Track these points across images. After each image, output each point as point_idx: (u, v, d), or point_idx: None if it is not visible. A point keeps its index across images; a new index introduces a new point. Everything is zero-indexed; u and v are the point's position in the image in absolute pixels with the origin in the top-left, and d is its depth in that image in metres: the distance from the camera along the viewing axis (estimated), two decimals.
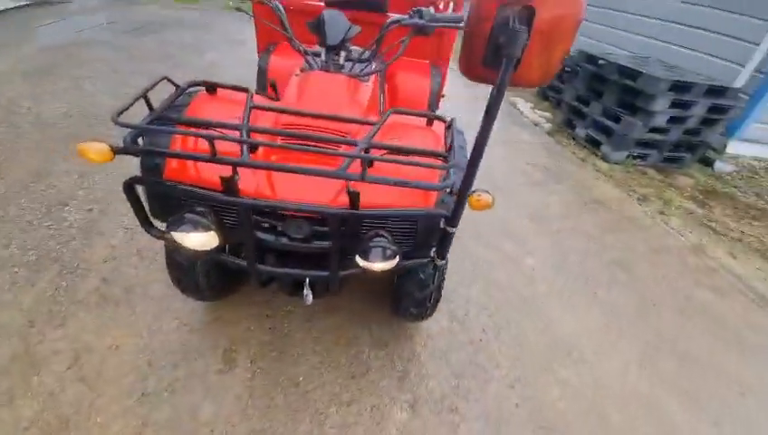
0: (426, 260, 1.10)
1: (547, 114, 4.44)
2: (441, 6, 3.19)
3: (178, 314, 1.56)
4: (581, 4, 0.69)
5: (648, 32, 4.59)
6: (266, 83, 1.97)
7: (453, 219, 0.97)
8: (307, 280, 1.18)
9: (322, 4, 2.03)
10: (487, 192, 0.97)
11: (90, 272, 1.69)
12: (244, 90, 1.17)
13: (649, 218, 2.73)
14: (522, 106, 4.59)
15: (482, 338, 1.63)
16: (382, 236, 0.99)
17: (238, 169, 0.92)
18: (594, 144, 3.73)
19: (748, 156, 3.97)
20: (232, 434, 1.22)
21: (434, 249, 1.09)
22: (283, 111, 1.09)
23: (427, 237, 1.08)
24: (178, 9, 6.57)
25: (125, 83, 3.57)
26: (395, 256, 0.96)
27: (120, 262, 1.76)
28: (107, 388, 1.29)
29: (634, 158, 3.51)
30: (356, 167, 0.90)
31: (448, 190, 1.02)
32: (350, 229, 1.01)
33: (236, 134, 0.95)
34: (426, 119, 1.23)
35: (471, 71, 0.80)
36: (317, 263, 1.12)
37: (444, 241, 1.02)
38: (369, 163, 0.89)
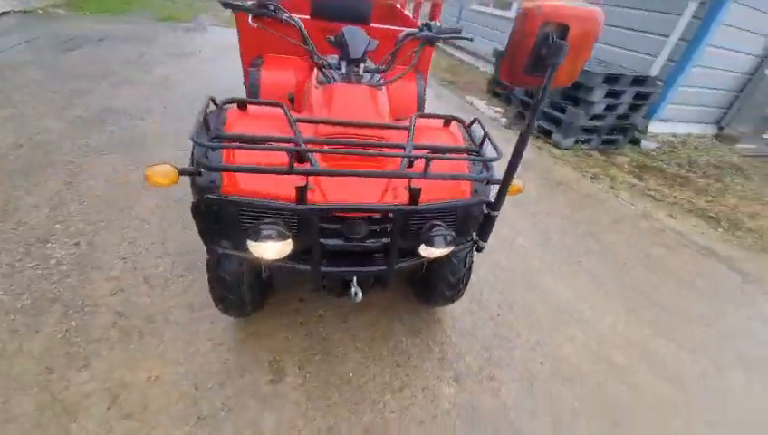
0: (470, 243, 1.23)
1: (500, 109, 4.84)
2: (398, 6, 3.37)
3: (211, 336, 1.54)
4: (600, 23, 0.88)
5: None
6: (258, 92, 1.98)
7: (496, 204, 1.12)
8: (354, 278, 1.26)
9: (307, 18, 2.09)
10: (518, 179, 1.13)
11: (99, 308, 1.59)
12: (277, 104, 1.21)
13: (604, 193, 3.15)
14: (477, 103, 4.96)
15: (498, 313, 1.82)
16: (440, 225, 1.11)
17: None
18: (546, 133, 4.16)
19: (666, 133, 4.68)
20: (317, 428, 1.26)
21: (475, 233, 1.23)
22: (329, 123, 1.16)
23: (467, 224, 1.23)
24: (108, 23, 6.07)
25: (69, 104, 3.27)
26: (454, 242, 1.09)
27: (129, 293, 1.67)
28: (158, 419, 1.25)
29: (582, 143, 3.99)
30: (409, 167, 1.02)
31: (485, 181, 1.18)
32: (410, 223, 1.12)
33: (293, 146, 1.01)
34: (442, 120, 1.37)
35: (514, 77, 0.95)
36: (368, 260, 1.20)
37: (487, 224, 1.17)
38: (428, 162, 1.01)
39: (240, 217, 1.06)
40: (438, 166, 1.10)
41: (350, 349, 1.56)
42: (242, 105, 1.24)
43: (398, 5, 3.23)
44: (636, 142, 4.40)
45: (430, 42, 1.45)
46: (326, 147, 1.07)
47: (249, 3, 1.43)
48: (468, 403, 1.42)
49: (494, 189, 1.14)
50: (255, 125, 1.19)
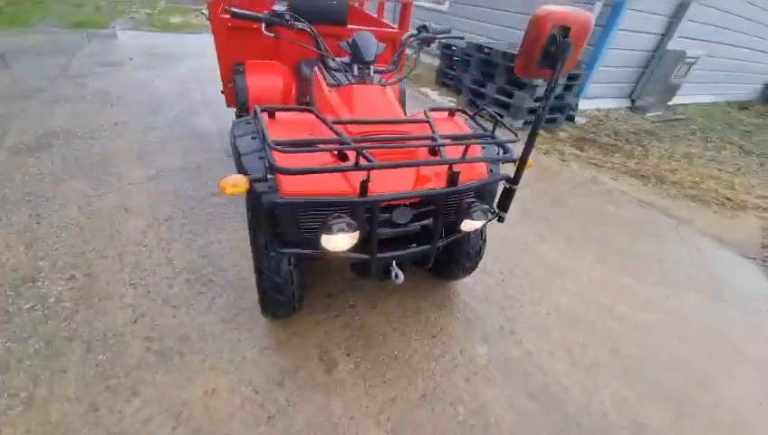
0: (494, 216, 1.42)
1: (453, 99, 5.17)
2: (357, 4, 3.47)
3: (253, 343, 1.56)
4: (592, 24, 1.10)
5: (502, 22, 5.71)
6: (248, 102, 1.99)
7: (516, 179, 1.32)
8: (394, 262, 1.39)
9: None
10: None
11: (124, 337, 1.53)
12: (308, 109, 1.27)
13: (557, 165, 3.59)
14: (430, 94, 5.24)
15: (503, 278, 2.06)
16: (476, 201, 1.28)
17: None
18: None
19: (592, 109, 5.37)
20: (368, 414, 1.36)
21: (493, 207, 1.43)
22: (366, 122, 1.26)
23: (489, 199, 1.42)
24: (13, 36, 5.31)
25: (1, 131, 2.90)
26: (491, 214, 1.27)
27: (152, 317, 1.62)
28: (230, 426, 1.28)
29: (529, 123, 4.45)
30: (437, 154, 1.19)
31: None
32: (450, 203, 1.27)
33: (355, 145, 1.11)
34: (447, 111, 1.55)
35: (527, 71, 1.15)
36: (412, 243, 1.34)
37: (508, 197, 1.36)
38: (467, 148, 1.17)
39: (307, 216, 1.13)
40: (460, 151, 1.26)
41: (388, 330, 1.69)
42: (272, 113, 1.28)
43: (357, 5, 3.33)
44: (571, 119, 5.00)
45: (428, 42, 1.60)
46: (381, 144, 1.17)
47: (261, 13, 1.45)
48: (500, 356, 1.64)
49: (502, 168, 1.35)
50: (292, 130, 1.25)
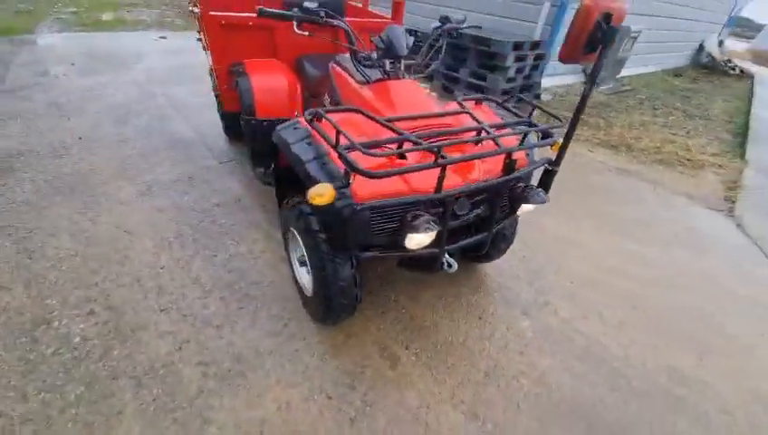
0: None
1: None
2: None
3: (311, 351, 1.54)
4: (627, 7, 1.18)
5: (469, 6, 5.82)
6: (253, 103, 1.90)
7: (558, 161, 1.40)
8: (446, 254, 1.44)
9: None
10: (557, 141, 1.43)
11: (174, 366, 1.44)
12: (356, 110, 1.25)
13: None
14: None
15: (524, 255, 2.18)
16: (529, 185, 1.35)
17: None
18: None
19: (553, 86, 5.68)
20: (442, 399, 1.42)
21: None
22: (419, 117, 1.27)
23: (529, 181, 1.50)
24: None
25: None
26: (545, 196, 1.34)
27: (196, 342, 1.53)
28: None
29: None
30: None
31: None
32: (507, 191, 1.33)
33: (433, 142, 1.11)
34: (474, 100, 1.59)
35: (572, 56, 1.22)
36: (470, 232, 1.39)
37: (550, 178, 1.45)
38: (525, 136, 1.22)
39: (384, 218, 1.13)
40: (504, 139, 1.32)
41: (436, 318, 1.74)
42: (319, 117, 1.25)
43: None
44: (537, 97, 5.26)
45: (450, 34, 1.62)
46: (446, 139, 1.18)
47: (289, 11, 1.38)
48: (542, 327, 1.75)
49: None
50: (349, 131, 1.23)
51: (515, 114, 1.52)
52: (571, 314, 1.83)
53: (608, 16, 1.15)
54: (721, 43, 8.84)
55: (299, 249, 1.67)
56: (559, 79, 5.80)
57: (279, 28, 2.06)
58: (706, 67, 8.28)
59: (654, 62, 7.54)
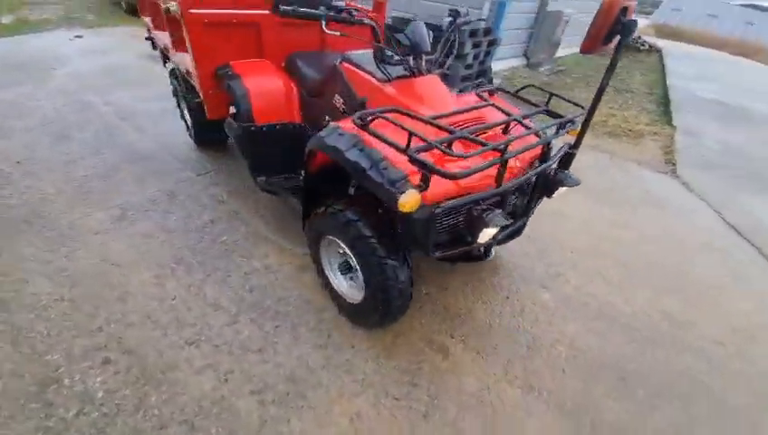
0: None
1: None
2: None
3: (363, 357, 1.53)
4: (635, 3, 1.31)
5: None
6: (251, 108, 1.78)
7: (577, 144, 1.52)
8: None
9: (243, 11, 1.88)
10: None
11: (226, 400, 1.34)
12: (396, 110, 1.24)
13: None
14: None
15: (529, 234, 2.32)
16: (560, 169, 1.44)
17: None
18: None
19: (502, 69, 6.01)
20: (498, 379, 1.50)
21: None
22: (456, 113, 1.29)
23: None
24: None
25: None
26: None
27: (241, 371, 1.44)
28: None
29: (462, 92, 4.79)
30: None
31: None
32: (546, 176, 1.41)
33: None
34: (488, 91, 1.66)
35: (593, 47, 1.31)
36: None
37: (570, 160, 1.56)
38: (563, 125, 1.31)
39: (453, 217, 1.14)
40: (518, 126, 1.41)
41: (469, 304, 1.81)
42: (364, 118, 1.21)
43: None
44: (491, 82, 5.53)
45: (460, 27, 1.65)
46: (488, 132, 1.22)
47: (317, 10, 1.29)
48: (561, 297, 1.92)
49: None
50: (393, 132, 1.20)
51: (532, 103, 1.60)
52: (580, 281, 2.02)
53: (624, 10, 1.25)
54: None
55: (335, 258, 1.63)
56: (505, 63, 6.13)
57: (266, 26, 1.92)
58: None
59: (578, 44, 8.29)
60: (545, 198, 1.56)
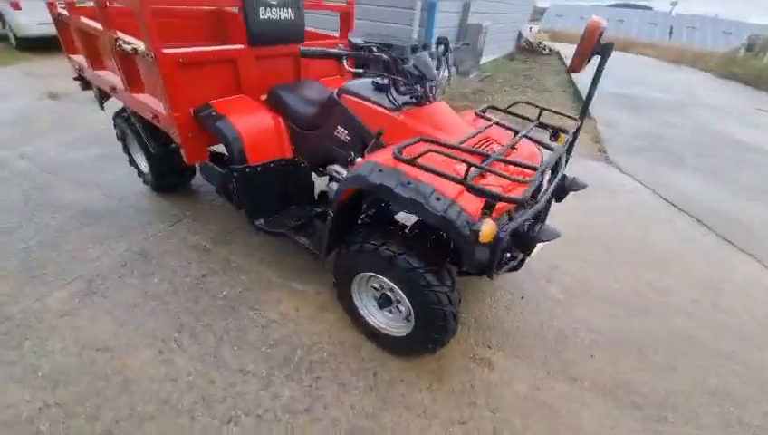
0: None
1: None
2: None
3: (417, 388, 1.50)
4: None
5: (357, 15, 5.97)
6: (244, 149, 1.68)
7: (569, 150, 1.69)
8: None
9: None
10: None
11: None
12: (424, 139, 1.28)
13: None
14: None
15: None
16: (576, 177, 1.59)
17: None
18: None
19: None
20: (541, 376, 1.58)
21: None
22: (477, 135, 1.35)
23: None
24: None
25: None
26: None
27: (318, 409, 1.31)
28: None
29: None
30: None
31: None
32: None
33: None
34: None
35: (579, 66, 1.48)
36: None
37: (565, 163, 1.72)
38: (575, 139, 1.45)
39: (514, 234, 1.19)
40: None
41: (493, 312, 1.88)
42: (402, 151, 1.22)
43: None
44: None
45: (447, 51, 1.73)
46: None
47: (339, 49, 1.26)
48: (564, 287, 2.08)
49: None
50: (437, 164, 1.23)
51: (526, 118, 1.74)
52: (574, 268, 2.23)
53: (601, 34, 1.44)
54: (531, 29, 11.28)
55: (369, 293, 1.58)
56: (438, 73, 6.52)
57: (243, 60, 1.81)
58: (526, 50, 10.46)
59: (495, 51, 9.15)
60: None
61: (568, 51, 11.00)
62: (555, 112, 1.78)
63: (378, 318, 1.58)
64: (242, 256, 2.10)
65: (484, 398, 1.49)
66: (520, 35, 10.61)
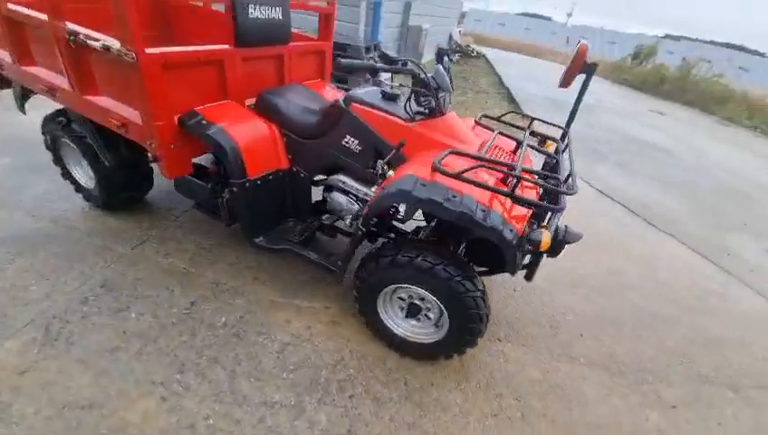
0: None
1: None
2: None
3: (446, 387, 1.55)
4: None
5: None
6: (243, 161, 1.57)
7: (571, 155, 1.88)
8: None
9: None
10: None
11: None
12: (455, 153, 1.34)
13: None
14: None
15: None
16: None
17: None
18: None
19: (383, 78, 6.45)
20: (546, 359, 1.76)
21: None
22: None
23: None
24: None
25: None
26: None
27: None
28: None
29: None
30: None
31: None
32: None
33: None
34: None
35: (569, 82, 1.65)
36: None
37: (556, 169, 1.91)
38: (567, 145, 1.61)
39: None
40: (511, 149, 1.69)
41: (497, 308, 2.01)
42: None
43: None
44: None
45: (442, 57, 1.78)
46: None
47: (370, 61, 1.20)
48: (546, 276, 2.30)
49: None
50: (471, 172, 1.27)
51: (514, 126, 1.89)
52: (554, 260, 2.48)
53: (584, 54, 1.63)
54: (460, 32, 11.99)
55: (395, 304, 1.58)
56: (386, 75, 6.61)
57: (230, 62, 1.63)
58: (456, 52, 11.11)
59: (431, 52, 9.56)
60: None
61: (494, 54, 11.98)
62: (543, 122, 1.95)
63: (405, 328, 1.59)
64: (231, 276, 1.91)
65: (506, 388, 1.60)
66: (450, 38, 11.21)
